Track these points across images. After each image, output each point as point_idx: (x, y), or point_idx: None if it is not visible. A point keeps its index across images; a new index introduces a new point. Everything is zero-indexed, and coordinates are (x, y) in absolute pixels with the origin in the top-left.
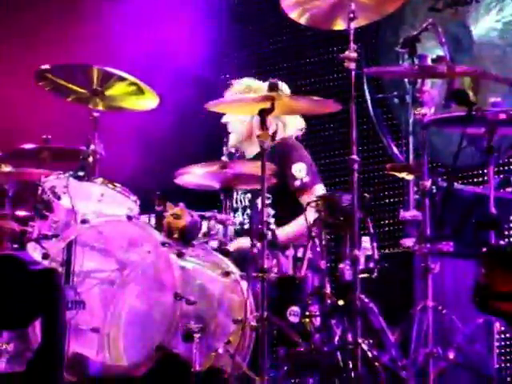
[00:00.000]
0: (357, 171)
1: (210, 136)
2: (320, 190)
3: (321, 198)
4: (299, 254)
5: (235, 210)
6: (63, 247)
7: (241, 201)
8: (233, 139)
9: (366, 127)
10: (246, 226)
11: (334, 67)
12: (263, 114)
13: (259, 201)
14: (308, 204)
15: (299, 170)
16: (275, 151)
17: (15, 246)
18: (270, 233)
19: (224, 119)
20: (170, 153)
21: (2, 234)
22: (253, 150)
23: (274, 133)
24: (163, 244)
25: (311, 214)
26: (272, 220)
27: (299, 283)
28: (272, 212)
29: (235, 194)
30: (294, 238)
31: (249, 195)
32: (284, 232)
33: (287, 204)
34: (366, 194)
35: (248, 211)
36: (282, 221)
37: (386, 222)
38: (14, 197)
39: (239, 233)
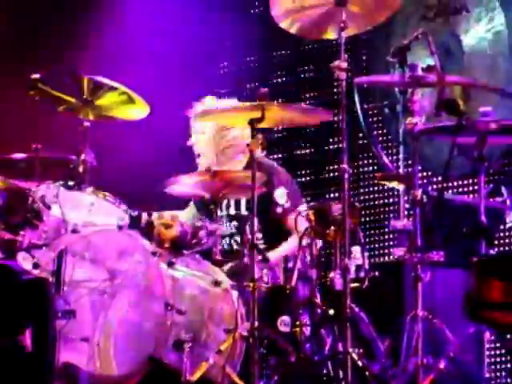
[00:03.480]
0: (347, 181)
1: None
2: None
3: (311, 207)
4: (290, 265)
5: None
6: (53, 257)
7: (227, 226)
8: (205, 160)
9: (356, 137)
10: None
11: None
12: (253, 123)
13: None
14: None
15: (281, 196)
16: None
17: (4, 255)
18: (260, 255)
19: (191, 141)
20: (159, 162)
21: None
22: (233, 164)
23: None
24: (154, 254)
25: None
26: (260, 235)
27: (289, 293)
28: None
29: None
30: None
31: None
32: (275, 254)
33: (272, 229)
34: (356, 204)
35: (234, 222)
36: (268, 246)
37: (377, 231)
38: (4, 206)
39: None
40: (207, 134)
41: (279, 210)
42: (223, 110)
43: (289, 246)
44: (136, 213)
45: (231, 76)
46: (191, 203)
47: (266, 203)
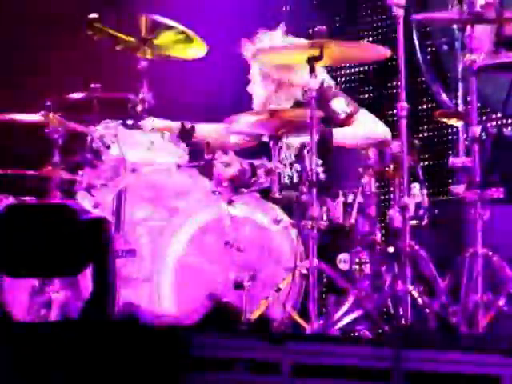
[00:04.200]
0: (405, 118)
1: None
2: (364, 114)
3: (369, 145)
4: (349, 201)
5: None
6: (113, 196)
7: (286, 157)
8: (257, 100)
9: (414, 74)
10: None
11: (381, 14)
12: (312, 61)
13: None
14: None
15: (339, 104)
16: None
17: (64, 195)
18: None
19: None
20: (217, 102)
21: (51, 183)
22: (286, 101)
23: (322, 84)
24: (213, 192)
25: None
26: (321, 169)
27: (349, 230)
28: (320, 161)
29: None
30: (349, 143)
31: (294, 150)
32: (343, 132)
33: None
34: (415, 141)
35: (295, 166)
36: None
37: (436, 168)
38: (63, 146)
39: (288, 186)
40: (258, 73)
41: (342, 116)
42: (279, 48)
43: (355, 130)
44: (189, 125)
45: (289, 15)
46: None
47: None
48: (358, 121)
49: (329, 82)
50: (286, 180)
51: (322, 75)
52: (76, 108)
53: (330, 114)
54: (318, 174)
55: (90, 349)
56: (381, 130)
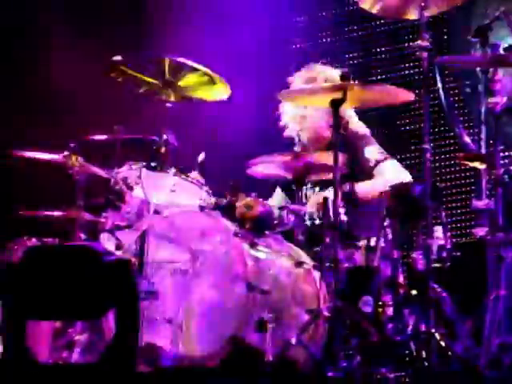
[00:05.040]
0: (429, 161)
1: (279, 126)
2: (393, 163)
3: (392, 187)
4: (372, 243)
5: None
6: (136, 238)
7: (309, 196)
8: (307, 133)
9: (437, 117)
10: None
11: (404, 57)
12: (335, 104)
13: (329, 193)
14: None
15: (371, 152)
16: (346, 141)
17: (88, 237)
18: (347, 186)
19: (300, 112)
20: (241, 143)
21: (75, 224)
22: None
23: (347, 123)
24: (236, 234)
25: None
26: (343, 211)
27: (372, 273)
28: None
29: (304, 188)
30: (371, 195)
31: (317, 189)
32: (363, 187)
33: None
34: (437, 184)
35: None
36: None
37: (459, 211)
38: (87, 188)
39: (310, 227)
40: (288, 115)
41: (372, 163)
42: (303, 91)
43: (377, 182)
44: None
45: (304, 55)
46: (277, 189)
47: (357, 164)
48: (383, 169)
49: (364, 129)
50: (308, 223)
51: (355, 121)
52: (100, 149)
53: (362, 160)
54: (340, 217)
55: None
56: (403, 177)
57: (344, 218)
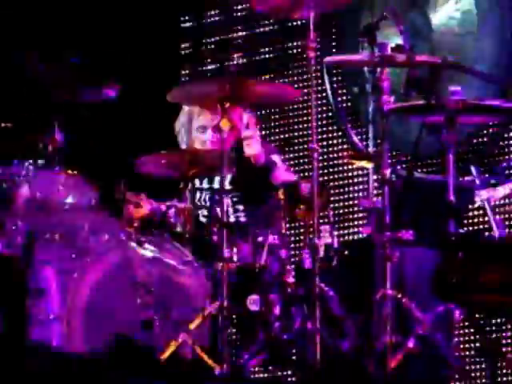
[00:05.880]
0: (316, 160)
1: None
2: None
3: (281, 186)
4: (259, 240)
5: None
6: (23, 235)
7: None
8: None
9: (325, 116)
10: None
11: (292, 57)
12: (222, 101)
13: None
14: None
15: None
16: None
17: None
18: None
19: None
20: (130, 142)
21: None
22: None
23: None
24: (123, 233)
25: None
26: (231, 210)
27: (259, 271)
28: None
29: (198, 193)
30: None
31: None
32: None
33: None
34: (325, 183)
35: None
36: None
37: (346, 210)
38: None
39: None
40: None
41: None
42: (193, 91)
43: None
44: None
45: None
46: None
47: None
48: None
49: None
50: (203, 220)
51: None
52: None
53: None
54: (228, 214)
55: None
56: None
57: (238, 215)
